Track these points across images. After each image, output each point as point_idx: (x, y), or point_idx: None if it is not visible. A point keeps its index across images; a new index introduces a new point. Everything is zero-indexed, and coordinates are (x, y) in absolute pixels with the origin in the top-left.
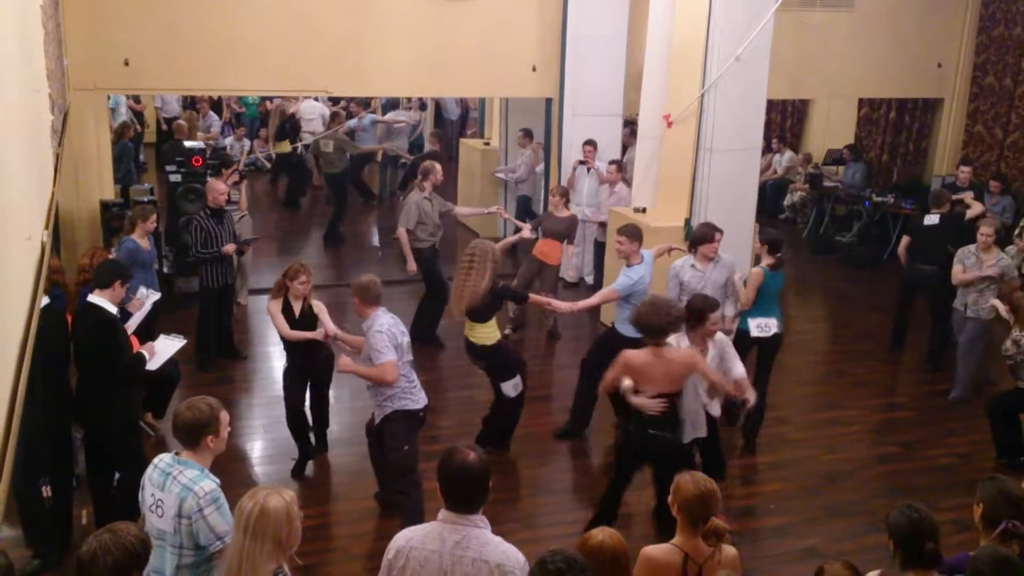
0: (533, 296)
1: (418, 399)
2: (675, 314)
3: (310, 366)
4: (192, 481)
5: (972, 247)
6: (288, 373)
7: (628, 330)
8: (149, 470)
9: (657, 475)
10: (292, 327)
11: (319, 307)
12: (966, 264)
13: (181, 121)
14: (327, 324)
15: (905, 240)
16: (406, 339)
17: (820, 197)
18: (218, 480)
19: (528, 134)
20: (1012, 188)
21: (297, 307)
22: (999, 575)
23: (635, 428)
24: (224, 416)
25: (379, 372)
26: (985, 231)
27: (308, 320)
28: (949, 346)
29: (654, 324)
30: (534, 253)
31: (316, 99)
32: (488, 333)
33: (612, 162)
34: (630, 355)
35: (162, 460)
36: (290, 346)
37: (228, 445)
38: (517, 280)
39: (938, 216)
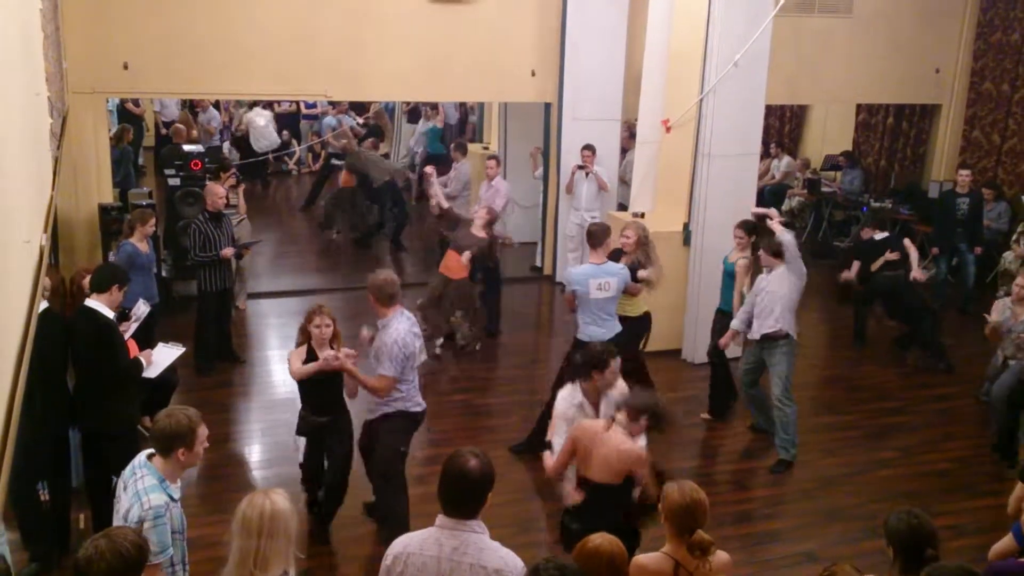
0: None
1: (419, 403)
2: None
3: (323, 427)
4: (145, 490)
5: (1006, 300)
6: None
7: (590, 336)
8: (127, 467)
9: None
10: (313, 381)
11: (348, 355)
12: (1002, 316)
13: (179, 125)
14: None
15: (856, 265)
16: (419, 342)
17: (818, 202)
18: (175, 495)
19: (460, 147)
20: (1007, 195)
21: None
22: None
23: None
24: (202, 431)
25: (375, 384)
26: (1020, 282)
27: (334, 373)
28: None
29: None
30: (440, 269)
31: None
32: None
33: (491, 157)
34: (579, 427)
35: (137, 459)
36: (305, 396)
37: (226, 449)
38: (428, 295)
39: (887, 233)
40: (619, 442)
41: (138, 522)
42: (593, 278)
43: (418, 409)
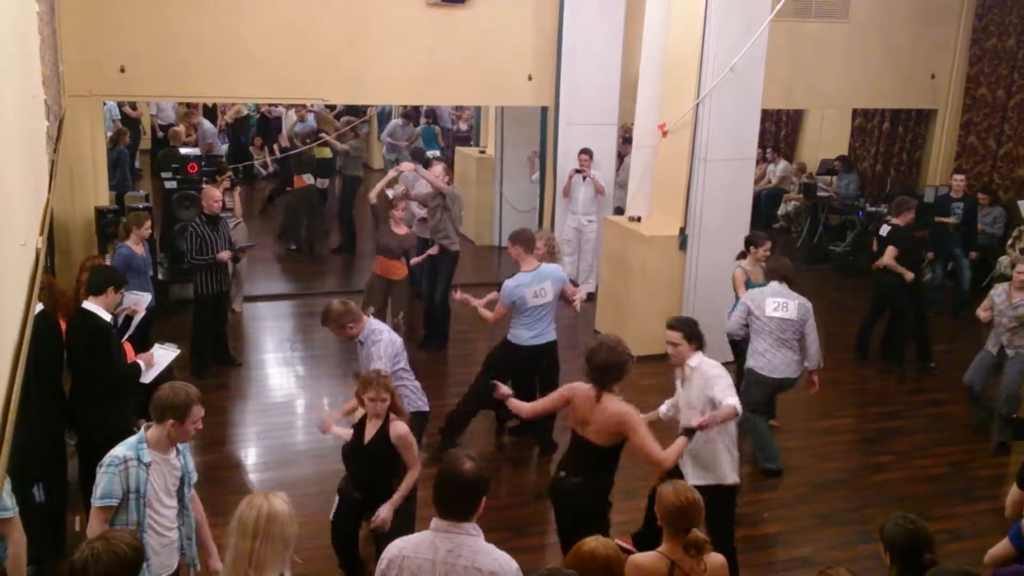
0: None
1: (426, 401)
2: (624, 357)
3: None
4: (121, 444)
5: (1005, 285)
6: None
7: (517, 338)
8: None
9: (558, 523)
10: (355, 451)
11: (401, 439)
12: (996, 302)
13: (177, 128)
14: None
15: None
16: (400, 341)
17: (814, 207)
18: (146, 458)
19: (416, 154)
20: (1002, 199)
21: (371, 429)
22: None
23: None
24: (196, 410)
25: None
26: (1021, 268)
27: (379, 448)
28: (904, 343)
29: (609, 363)
30: (377, 271)
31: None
32: None
33: (436, 158)
34: (576, 386)
35: None
36: (348, 463)
37: (223, 452)
38: (365, 296)
39: (888, 225)
40: (610, 407)
41: (99, 466)
42: (528, 287)
43: (427, 408)
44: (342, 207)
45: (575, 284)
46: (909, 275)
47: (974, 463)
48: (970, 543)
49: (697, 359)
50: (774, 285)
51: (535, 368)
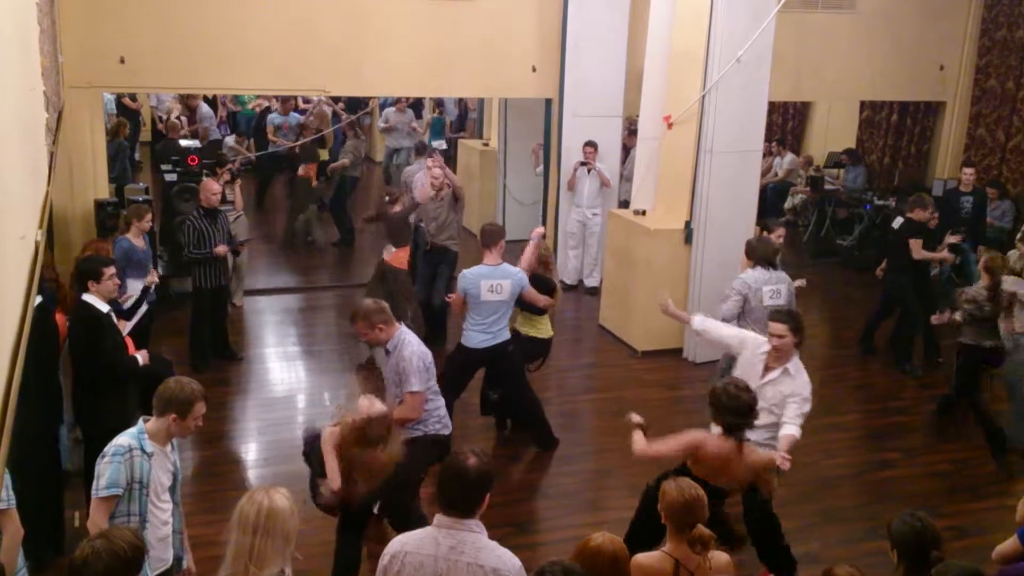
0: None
1: (448, 424)
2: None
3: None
4: (123, 434)
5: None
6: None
7: (469, 340)
8: None
9: None
10: None
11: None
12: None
13: (176, 120)
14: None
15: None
16: (429, 355)
17: (821, 200)
18: (148, 449)
19: (419, 149)
20: (1012, 193)
21: None
22: None
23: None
24: (199, 407)
25: (405, 410)
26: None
27: None
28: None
29: (743, 406)
30: (390, 261)
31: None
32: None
33: (440, 151)
34: (705, 439)
35: None
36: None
37: (222, 447)
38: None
39: (902, 218)
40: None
41: (101, 456)
42: (485, 279)
43: (448, 431)
44: (334, 204)
45: (580, 281)
46: (946, 256)
47: (980, 460)
48: (977, 540)
49: (797, 364)
50: (764, 273)
51: (491, 369)
